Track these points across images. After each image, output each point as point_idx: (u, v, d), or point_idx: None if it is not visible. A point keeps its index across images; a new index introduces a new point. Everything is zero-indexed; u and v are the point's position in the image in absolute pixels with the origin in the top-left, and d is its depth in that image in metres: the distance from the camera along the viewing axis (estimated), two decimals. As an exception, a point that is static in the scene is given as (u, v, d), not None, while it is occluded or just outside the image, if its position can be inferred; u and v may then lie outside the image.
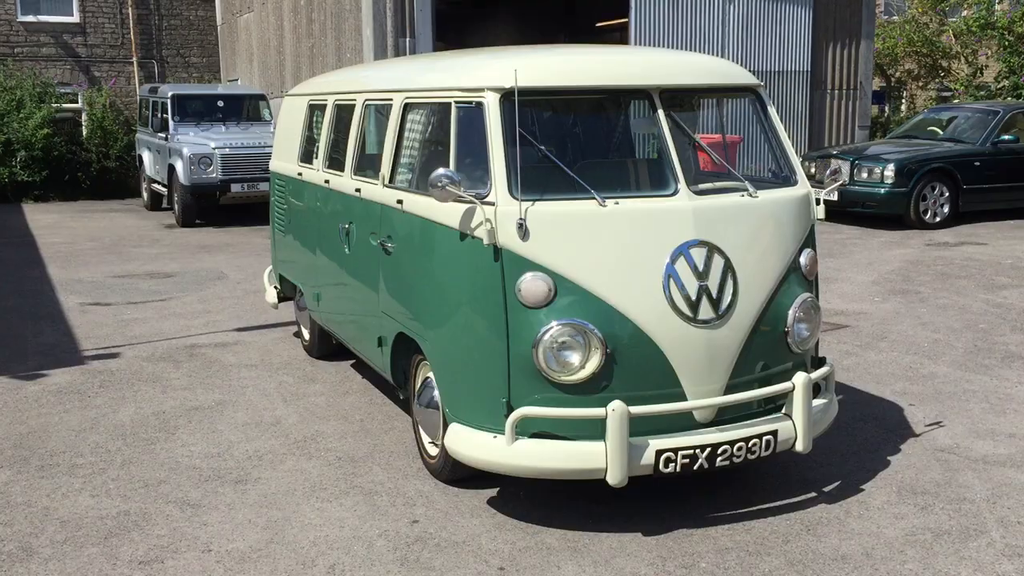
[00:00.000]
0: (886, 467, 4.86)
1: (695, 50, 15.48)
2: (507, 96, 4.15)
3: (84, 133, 19.49)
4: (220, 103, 15.69)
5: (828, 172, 4.84)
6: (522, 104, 4.18)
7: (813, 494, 4.55)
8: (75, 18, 20.55)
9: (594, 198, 4.07)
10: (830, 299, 8.76)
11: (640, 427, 4.01)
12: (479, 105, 4.21)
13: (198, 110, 15.52)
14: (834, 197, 13.38)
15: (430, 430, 4.65)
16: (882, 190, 12.96)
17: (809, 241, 4.57)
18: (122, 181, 18.88)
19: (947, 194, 13.07)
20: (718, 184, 4.40)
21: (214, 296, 9.26)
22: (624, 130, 4.81)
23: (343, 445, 5.20)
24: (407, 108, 4.83)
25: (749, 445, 4.13)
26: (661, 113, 4.27)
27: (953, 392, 6.04)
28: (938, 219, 13.04)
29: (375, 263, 5.06)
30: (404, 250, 4.71)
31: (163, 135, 15.22)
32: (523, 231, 3.99)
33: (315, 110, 6.35)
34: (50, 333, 7.83)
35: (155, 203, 16.34)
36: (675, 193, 4.17)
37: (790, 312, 4.33)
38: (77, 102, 20.00)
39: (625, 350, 4.03)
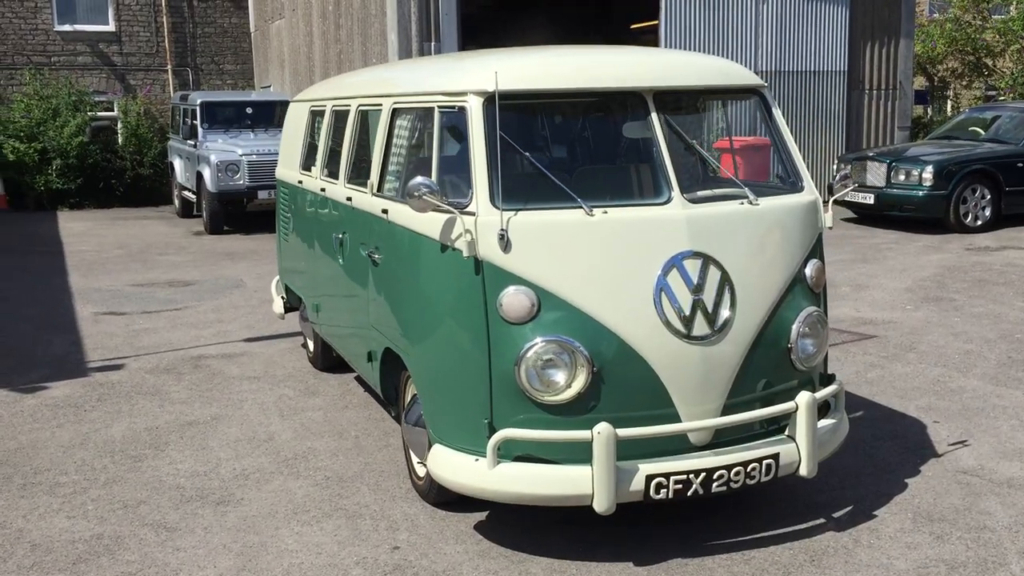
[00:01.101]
0: (902, 490, 4.56)
1: (728, 51, 15.17)
2: (491, 100, 3.94)
3: (119, 141, 19.60)
4: (249, 110, 15.65)
5: (838, 176, 4.55)
6: (507, 108, 3.97)
7: (821, 520, 4.27)
8: (111, 27, 20.70)
9: (581, 207, 3.84)
10: (859, 307, 8.44)
11: (630, 450, 3.77)
12: (461, 110, 4.00)
13: (227, 117, 15.50)
14: (871, 199, 13.01)
15: (418, 450, 4.44)
16: (920, 193, 12.54)
17: (816, 251, 4.29)
18: (156, 188, 18.92)
19: (989, 196, 12.61)
20: (716, 191, 4.14)
21: (229, 305, 9.14)
22: (617, 135, 4.56)
23: (334, 464, 5.01)
24: (395, 114, 4.63)
25: (748, 470, 3.86)
26: (655, 116, 4.02)
27: (982, 408, 5.70)
28: (979, 222, 12.59)
29: (365, 275, 4.87)
30: (390, 262, 4.52)
31: (192, 142, 15.22)
32: (504, 242, 3.77)
33: (316, 116, 6.18)
34: (60, 343, 7.75)
35: (186, 210, 16.34)
36: (668, 201, 3.92)
37: (794, 327, 4.06)
38: (113, 110, 20.11)
39: (613, 368, 3.79)
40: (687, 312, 3.82)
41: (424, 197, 3.78)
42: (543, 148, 4.56)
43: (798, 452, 3.98)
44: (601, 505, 3.70)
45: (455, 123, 4.05)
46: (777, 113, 4.44)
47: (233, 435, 5.50)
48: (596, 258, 3.83)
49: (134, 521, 4.38)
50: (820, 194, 4.36)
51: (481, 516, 4.31)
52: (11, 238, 14.58)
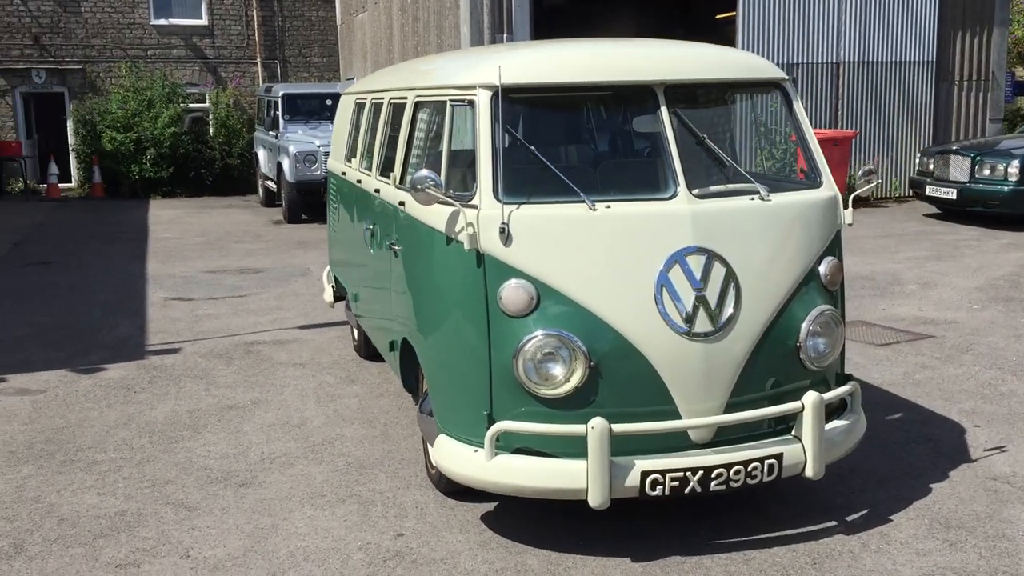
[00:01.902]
0: (924, 495, 4.44)
1: (808, 40, 14.86)
2: (506, 94, 3.96)
3: (210, 131, 20.20)
4: (329, 102, 15.93)
5: (861, 172, 4.44)
6: (515, 102, 4.00)
7: (832, 523, 4.19)
8: (204, 21, 21.33)
9: (584, 201, 3.84)
10: (923, 306, 8.19)
11: (627, 446, 3.76)
12: (471, 103, 4.04)
13: (308, 109, 15.82)
14: (954, 195, 12.56)
15: (431, 439, 4.50)
16: (1006, 188, 12.09)
17: (832, 248, 4.19)
18: (244, 178, 19.45)
19: (1080, 193, 12.08)
20: (728, 187, 4.08)
21: (291, 293, 9.36)
22: (627, 128, 4.53)
23: (358, 450, 5.11)
24: (417, 107, 4.69)
25: (748, 469, 3.81)
26: (664, 110, 3.98)
27: (1029, 413, 5.50)
28: (1068, 220, 12.08)
29: (389, 266, 4.95)
30: (406, 253, 4.58)
31: (274, 133, 15.59)
32: (505, 236, 3.79)
33: (359, 109, 6.29)
34: (125, 327, 8.06)
35: (269, 200, 16.75)
36: (673, 196, 3.89)
37: (803, 325, 3.98)
38: (204, 102, 20.73)
39: (612, 364, 3.78)
40: (689, 309, 3.79)
41: (427, 190, 3.83)
42: (551, 142, 4.55)
43: (804, 453, 3.91)
44: (595, 500, 3.70)
45: (465, 116, 4.09)
46: (798, 107, 4.34)
47: (268, 419, 5.65)
48: (597, 253, 3.82)
49: (158, 500, 4.55)
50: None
51: (489, 507, 4.35)
52: (101, 225, 15.17)
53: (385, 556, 3.95)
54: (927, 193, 13.22)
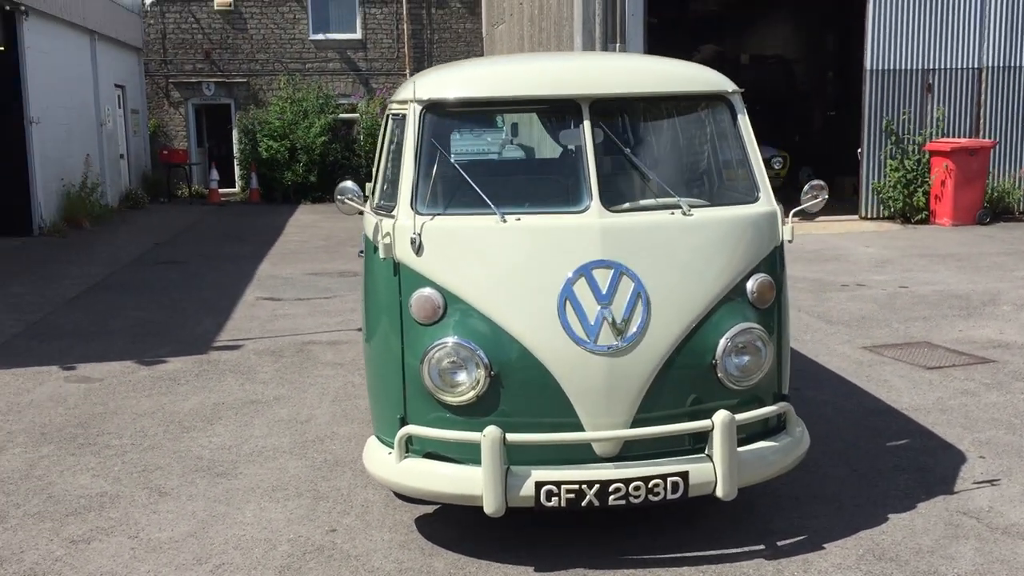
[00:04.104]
0: (877, 525, 4.24)
1: (947, 44, 14.09)
2: (429, 108, 4.10)
3: (359, 140, 21.12)
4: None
5: (807, 187, 4.27)
6: (445, 116, 4.12)
7: (760, 546, 4.07)
8: (358, 35, 22.32)
9: (495, 213, 3.91)
10: (1005, 329, 7.70)
11: (530, 456, 3.81)
12: (404, 117, 4.19)
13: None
14: None
15: (377, 441, 4.66)
16: None
17: (766, 265, 4.07)
18: (387, 185, 20.16)
19: None
20: (648, 202, 4.05)
21: (372, 297, 9.72)
22: (553, 142, 4.53)
23: (341, 448, 5.33)
24: (386, 120, 4.87)
25: (650, 485, 3.77)
26: (587, 124, 4.00)
27: (1047, 446, 5.12)
28: None
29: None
30: (363, 263, 4.77)
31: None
32: (416, 246, 3.91)
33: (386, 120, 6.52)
34: (207, 323, 8.63)
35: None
36: (586, 210, 3.90)
37: (721, 343, 3.90)
38: (355, 112, 21.68)
39: (513, 375, 3.83)
40: (592, 322, 3.79)
41: (347, 201, 4.01)
42: (477, 155, 4.62)
43: (714, 472, 3.83)
44: (490, 507, 3.76)
45: (403, 129, 4.24)
46: (743, 120, 4.23)
47: (280, 415, 5.96)
48: (506, 264, 3.89)
49: (140, 484, 4.91)
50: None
51: (429, 510, 4.46)
52: (242, 228, 16.15)
53: (307, 549, 4.14)
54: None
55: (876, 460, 5.00)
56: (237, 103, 22.38)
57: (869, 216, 14.67)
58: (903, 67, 14.24)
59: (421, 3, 22.24)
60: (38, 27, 14.43)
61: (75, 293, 10.16)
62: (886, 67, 14.23)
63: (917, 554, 3.97)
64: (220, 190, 20.95)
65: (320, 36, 22.24)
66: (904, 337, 7.59)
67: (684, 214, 3.98)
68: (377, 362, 4.21)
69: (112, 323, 8.75)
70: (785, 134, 19.74)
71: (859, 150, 14.66)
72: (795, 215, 4.18)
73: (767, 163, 16.19)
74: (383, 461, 4.05)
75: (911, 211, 14.25)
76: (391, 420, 4.06)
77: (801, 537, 4.14)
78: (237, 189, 21.90)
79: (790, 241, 4.17)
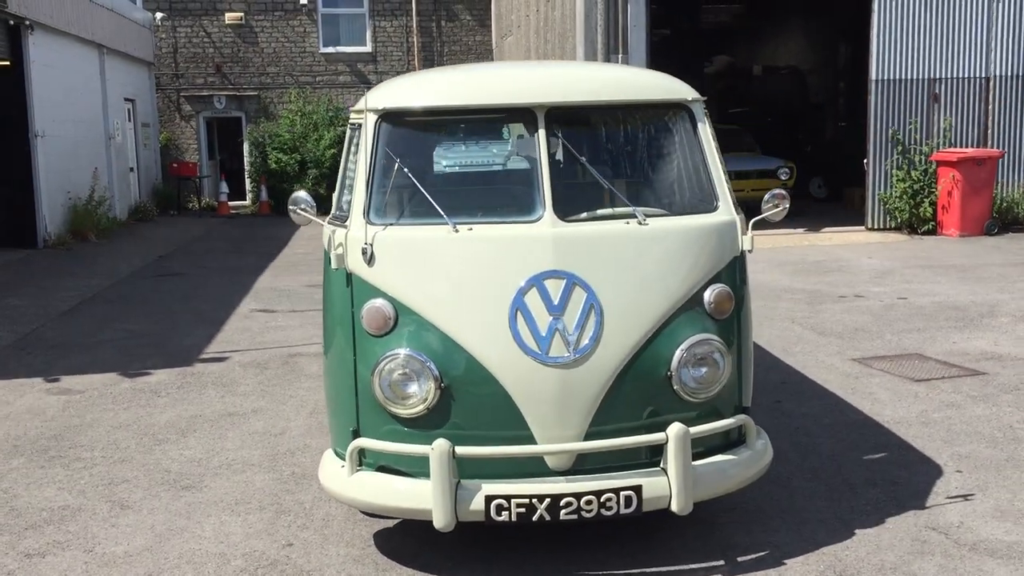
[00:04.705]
0: (841, 540, 4.14)
1: (954, 53, 13.97)
2: (385, 117, 4.07)
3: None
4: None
5: (768, 195, 4.20)
6: (400, 125, 4.08)
7: (720, 562, 3.98)
8: (368, 48, 22.39)
9: (447, 223, 3.86)
10: (1000, 341, 7.57)
11: (479, 469, 3.75)
12: (360, 127, 4.16)
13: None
14: None
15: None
16: None
17: (725, 276, 4.00)
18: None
19: None
20: (604, 211, 3.98)
21: (366, 308, 9.69)
22: (511, 152, 4.48)
23: (312, 461, 5.28)
24: (348, 131, 4.84)
25: (602, 500, 3.70)
26: (542, 133, 3.94)
27: (1028, 461, 5.01)
28: None
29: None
30: (324, 272, 4.73)
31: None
32: (368, 257, 3.87)
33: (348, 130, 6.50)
34: (196, 336, 8.62)
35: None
36: (539, 219, 3.85)
37: (676, 354, 3.83)
38: (365, 124, 21.71)
39: (465, 387, 3.77)
40: (543, 333, 3.73)
41: (297, 211, 3.98)
42: (433, 165, 4.57)
43: (669, 486, 3.75)
44: (439, 522, 3.70)
45: (359, 139, 4.21)
46: (703, 129, 4.16)
47: (255, 427, 5.93)
48: (457, 275, 3.84)
49: (103, 497, 4.88)
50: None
51: (389, 524, 4.41)
52: (247, 240, 16.19)
53: (260, 564, 4.09)
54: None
55: (849, 474, 4.91)
56: (248, 116, 22.48)
57: (875, 227, 14.53)
58: (909, 77, 14.12)
59: (431, 16, 22.31)
60: (44, 41, 14.56)
61: (70, 306, 10.19)
62: (892, 77, 14.12)
63: (879, 570, 3.87)
64: (230, 203, 21.04)
65: (330, 49, 22.33)
66: (896, 349, 7.48)
67: (640, 223, 3.91)
68: (332, 374, 4.16)
69: (102, 335, 8.76)
70: (797, 145, 19.63)
71: (865, 160, 14.53)
72: (755, 224, 4.10)
73: (773, 174, 16.09)
74: (335, 474, 4.00)
75: (918, 222, 14.10)
76: (345, 433, 4.01)
77: (763, 553, 4.06)
78: (247, 201, 21.99)
79: (750, 251, 4.09)
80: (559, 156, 4.03)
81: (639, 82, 4.29)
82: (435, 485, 3.68)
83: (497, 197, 4.36)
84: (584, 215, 3.94)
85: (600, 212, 3.98)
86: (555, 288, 3.75)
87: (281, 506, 4.70)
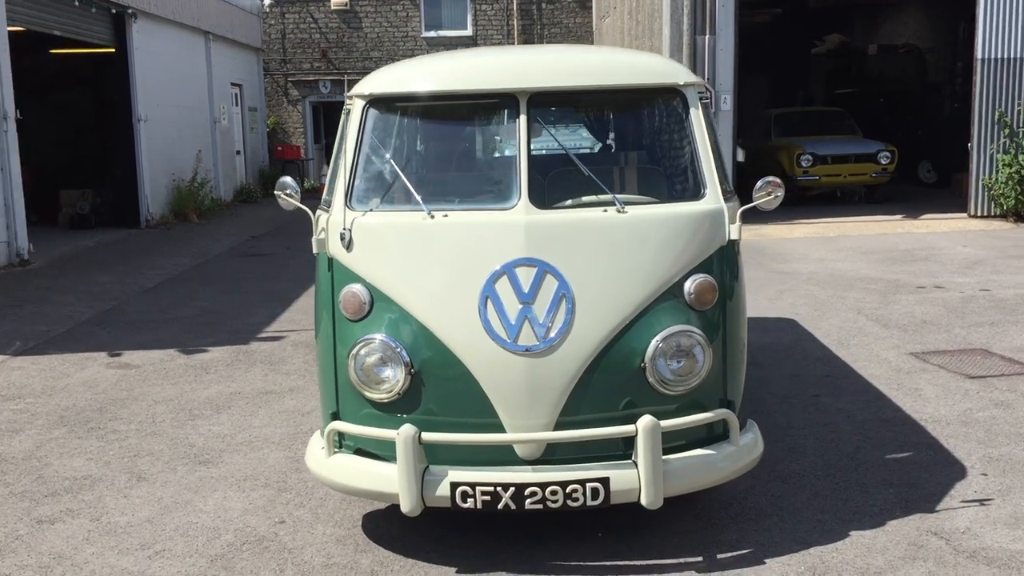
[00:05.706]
0: (832, 542, 3.98)
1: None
2: (373, 103, 4.09)
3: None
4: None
5: (760, 183, 4.04)
6: (386, 111, 4.10)
7: (698, 558, 3.89)
8: (469, 31, 22.51)
9: (423, 210, 3.87)
10: (1074, 336, 7.12)
11: (450, 456, 3.76)
12: (351, 112, 4.20)
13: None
14: None
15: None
16: None
17: (708, 265, 3.88)
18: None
19: None
20: (583, 199, 3.91)
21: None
22: (495, 138, 4.42)
23: (328, 441, 5.38)
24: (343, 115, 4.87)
25: (567, 491, 3.65)
26: (523, 119, 3.90)
27: (1062, 465, 4.71)
28: None
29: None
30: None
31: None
32: (346, 242, 3.91)
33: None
34: (261, 315, 8.87)
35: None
36: (513, 206, 3.81)
37: (651, 345, 3.74)
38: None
39: (435, 373, 3.78)
40: (513, 321, 3.70)
41: (281, 196, 4.05)
42: (417, 151, 4.54)
43: (639, 479, 3.68)
44: (406, 506, 3.72)
45: (348, 124, 4.24)
46: (696, 115, 4.03)
47: (287, 406, 6.07)
48: (430, 261, 3.84)
49: (124, 469, 5.08)
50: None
51: (381, 506, 4.45)
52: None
53: (248, 540, 4.20)
54: None
55: (866, 474, 4.71)
56: (352, 100, 22.89)
57: (978, 214, 13.85)
58: (1018, 56, 13.36)
59: (533, -2, 22.26)
60: (148, 28, 15.14)
61: (154, 283, 10.62)
62: (999, 56, 13.40)
63: (862, 574, 3.71)
64: (333, 185, 21.50)
65: (432, 33, 22.55)
66: (961, 343, 7.13)
67: (618, 211, 3.83)
68: (319, 357, 4.22)
69: (175, 312, 9.10)
70: (908, 127, 18.82)
71: (969, 144, 13.84)
72: (743, 213, 3.97)
73: (873, 158, 15.50)
74: (316, 456, 4.07)
75: (1024, 209, 13.39)
76: (326, 415, 4.07)
77: (746, 550, 3.94)
78: (350, 184, 22.43)
79: (735, 240, 3.96)
80: (542, 143, 3.97)
81: (629, 66, 4.19)
82: (401, 470, 3.70)
83: (477, 184, 4.33)
84: (571, 202, 3.88)
85: (579, 200, 3.91)
86: (526, 276, 3.72)
87: (285, 484, 4.80)
